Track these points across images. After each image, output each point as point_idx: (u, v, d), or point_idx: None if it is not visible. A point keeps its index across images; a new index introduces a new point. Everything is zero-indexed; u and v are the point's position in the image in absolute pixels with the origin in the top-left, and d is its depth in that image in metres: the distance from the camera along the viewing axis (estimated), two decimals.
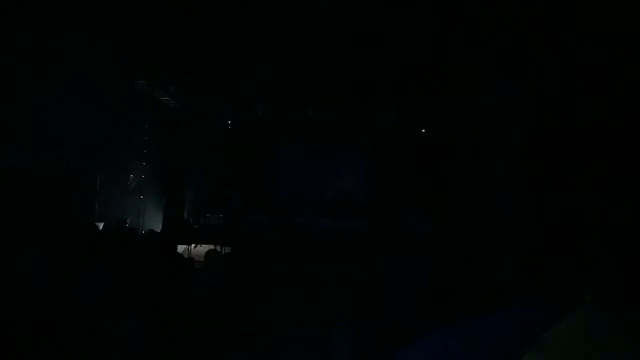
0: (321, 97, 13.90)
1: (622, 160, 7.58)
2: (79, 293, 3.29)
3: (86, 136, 10.27)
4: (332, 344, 3.02)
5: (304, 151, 15.57)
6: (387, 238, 11.50)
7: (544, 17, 8.88)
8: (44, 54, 9.17)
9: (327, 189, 15.07)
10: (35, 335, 2.91)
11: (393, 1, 9.58)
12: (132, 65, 11.56)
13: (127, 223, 11.82)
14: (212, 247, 9.36)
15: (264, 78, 12.80)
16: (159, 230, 12.45)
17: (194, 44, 11.17)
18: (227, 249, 10.20)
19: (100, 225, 9.79)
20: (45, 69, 9.25)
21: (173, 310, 3.26)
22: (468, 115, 12.60)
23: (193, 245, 11.65)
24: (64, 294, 3.27)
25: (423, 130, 14.71)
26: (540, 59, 9.43)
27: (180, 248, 10.79)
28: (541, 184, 9.36)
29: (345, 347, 2.99)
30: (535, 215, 9.16)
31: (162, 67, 12.38)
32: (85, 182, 10.24)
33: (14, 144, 9.28)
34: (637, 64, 7.24)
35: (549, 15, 8.79)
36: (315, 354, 3.06)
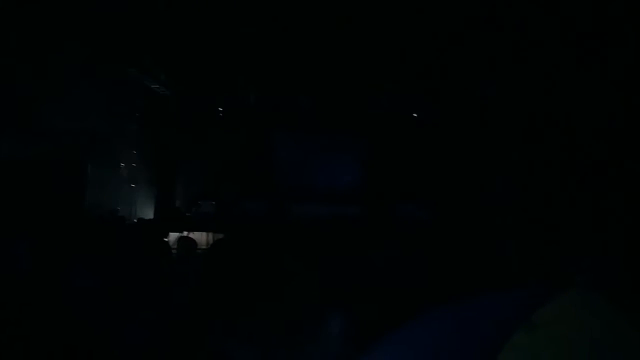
0: (314, 84, 13.83)
1: (611, 149, 7.60)
2: (67, 283, 3.27)
3: (76, 125, 10.19)
4: (325, 331, 3.01)
5: (298, 138, 15.51)
6: (382, 225, 11.53)
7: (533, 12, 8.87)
8: (31, 44, 9.06)
9: (322, 176, 15.05)
10: (22, 324, 2.88)
11: None
12: (122, 53, 11.44)
13: (118, 212, 11.76)
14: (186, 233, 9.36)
15: (256, 65, 12.71)
16: (151, 218, 12.43)
17: (184, 31, 11.06)
18: (220, 236, 10.20)
19: (92, 215, 9.76)
20: (33, 58, 9.15)
21: (160, 301, 3.25)
22: (464, 102, 12.60)
23: (185, 232, 11.63)
24: (52, 284, 3.25)
25: (415, 115, 14.68)
26: (535, 49, 9.41)
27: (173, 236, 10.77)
28: (537, 170, 9.38)
29: (338, 334, 2.99)
30: (532, 201, 9.18)
31: (152, 55, 12.26)
32: (75, 171, 10.17)
33: (3, 134, 9.20)
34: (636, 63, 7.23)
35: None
36: (307, 342, 3.06)
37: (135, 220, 11.15)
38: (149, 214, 12.93)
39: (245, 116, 14.86)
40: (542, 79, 9.28)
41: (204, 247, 9.65)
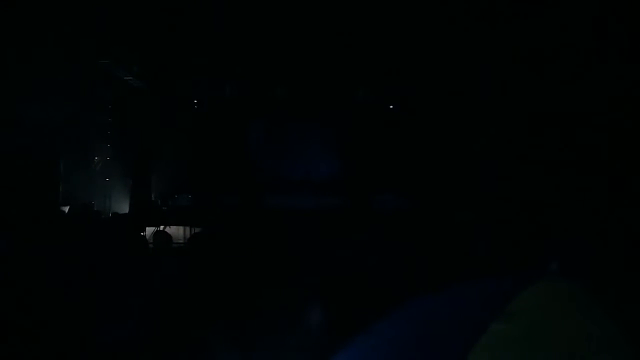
0: (291, 75, 13.76)
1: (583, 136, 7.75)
2: (43, 279, 3.23)
3: (48, 118, 10.00)
4: (309, 322, 3.03)
5: (274, 130, 15.45)
6: (360, 215, 11.59)
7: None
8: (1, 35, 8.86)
9: (299, 167, 15.04)
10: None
11: None
12: (94, 44, 11.23)
13: (93, 206, 11.59)
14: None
15: (232, 56, 12.60)
16: (126, 212, 12.29)
17: (157, 22, 10.90)
18: (196, 230, 10.14)
19: (66, 209, 9.61)
20: (3, 50, 8.94)
21: (138, 294, 3.23)
22: (440, 91, 12.67)
23: (162, 226, 11.53)
24: (27, 276, 3.20)
25: (391, 107, 14.74)
26: (513, 40, 9.50)
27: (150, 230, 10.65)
28: (513, 161, 9.51)
29: (321, 324, 3.01)
30: (505, 190, 9.32)
31: (125, 46, 12.06)
32: (48, 165, 9.99)
33: None
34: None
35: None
36: (293, 333, 3.07)
37: (110, 215, 11.02)
38: (124, 208, 12.78)
39: (221, 108, 14.74)
40: (519, 70, 9.39)
41: (180, 241, 9.60)
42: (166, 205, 13.48)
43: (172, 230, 10.76)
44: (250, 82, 14.11)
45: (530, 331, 1.03)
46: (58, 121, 10.38)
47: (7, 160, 9.01)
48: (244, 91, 14.33)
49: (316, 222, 9.94)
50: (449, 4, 9.72)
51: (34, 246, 3.86)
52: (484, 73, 10.58)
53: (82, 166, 11.98)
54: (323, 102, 14.33)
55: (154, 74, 13.65)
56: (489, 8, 9.35)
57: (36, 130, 9.64)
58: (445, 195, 11.46)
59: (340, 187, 14.13)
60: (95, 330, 3.12)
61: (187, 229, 11.05)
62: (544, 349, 0.98)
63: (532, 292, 1.12)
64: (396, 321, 1.24)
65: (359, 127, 14.69)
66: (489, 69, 10.39)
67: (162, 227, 10.43)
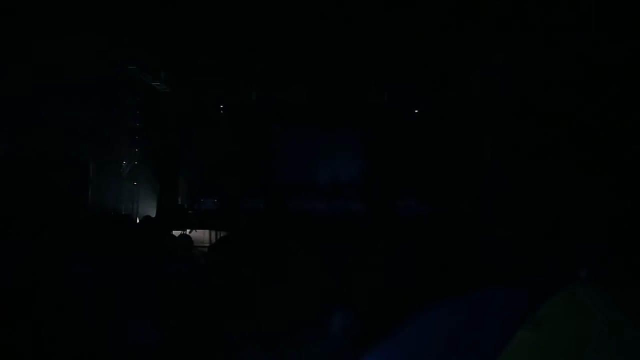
0: (315, 80, 13.81)
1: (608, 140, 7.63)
2: (72, 282, 3.28)
3: (77, 123, 10.20)
4: (329, 327, 3.03)
5: (298, 134, 15.51)
6: (382, 220, 11.55)
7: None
8: (32, 41, 9.06)
9: (324, 172, 15.06)
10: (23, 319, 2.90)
11: None
12: (122, 50, 11.42)
13: (121, 210, 11.79)
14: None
15: (257, 61, 12.69)
16: (154, 216, 12.45)
17: (184, 28, 11.04)
18: (222, 233, 10.21)
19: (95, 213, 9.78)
20: (35, 55, 9.14)
21: (166, 297, 3.26)
22: (462, 96, 12.58)
23: (188, 230, 11.66)
24: (55, 283, 3.26)
25: (416, 111, 14.69)
26: (534, 40, 9.39)
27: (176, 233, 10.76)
28: (535, 164, 9.39)
29: (342, 330, 3.00)
30: (530, 195, 9.20)
31: (152, 52, 12.25)
32: (77, 169, 10.18)
33: (5, 132, 9.21)
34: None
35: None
36: (311, 337, 3.07)
37: (139, 218, 11.19)
38: (151, 211, 12.95)
39: (246, 113, 14.86)
40: (543, 75, 9.27)
41: (206, 244, 9.69)
42: (192, 209, 13.63)
43: (198, 233, 10.87)
44: (275, 87, 14.20)
45: (558, 338, 1.02)
46: (87, 126, 10.57)
47: (36, 163, 9.20)
48: (269, 96, 14.42)
49: (340, 226, 9.93)
50: (474, 9, 9.66)
51: (59, 249, 3.93)
52: (509, 78, 10.48)
53: (110, 170, 12.17)
54: (347, 106, 14.33)
55: (181, 79, 13.84)
56: (514, 14, 9.27)
57: (65, 134, 9.84)
58: (468, 200, 11.36)
59: (363, 192, 14.11)
60: (122, 331, 3.17)
61: (213, 232, 11.15)
62: (571, 356, 0.97)
63: (560, 299, 1.10)
64: (424, 327, 1.24)
65: (382, 132, 14.66)
66: (515, 75, 10.28)
67: (188, 231, 10.54)
